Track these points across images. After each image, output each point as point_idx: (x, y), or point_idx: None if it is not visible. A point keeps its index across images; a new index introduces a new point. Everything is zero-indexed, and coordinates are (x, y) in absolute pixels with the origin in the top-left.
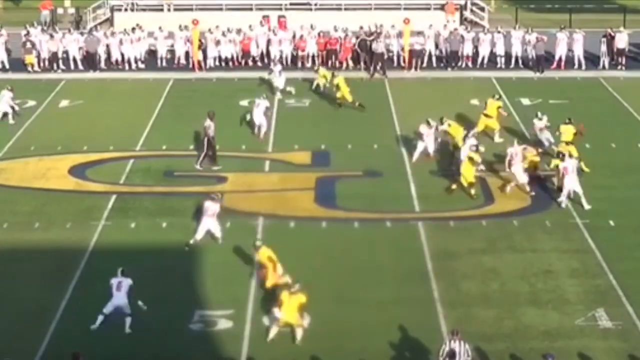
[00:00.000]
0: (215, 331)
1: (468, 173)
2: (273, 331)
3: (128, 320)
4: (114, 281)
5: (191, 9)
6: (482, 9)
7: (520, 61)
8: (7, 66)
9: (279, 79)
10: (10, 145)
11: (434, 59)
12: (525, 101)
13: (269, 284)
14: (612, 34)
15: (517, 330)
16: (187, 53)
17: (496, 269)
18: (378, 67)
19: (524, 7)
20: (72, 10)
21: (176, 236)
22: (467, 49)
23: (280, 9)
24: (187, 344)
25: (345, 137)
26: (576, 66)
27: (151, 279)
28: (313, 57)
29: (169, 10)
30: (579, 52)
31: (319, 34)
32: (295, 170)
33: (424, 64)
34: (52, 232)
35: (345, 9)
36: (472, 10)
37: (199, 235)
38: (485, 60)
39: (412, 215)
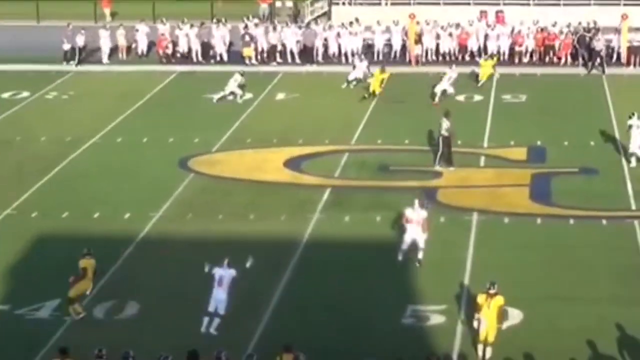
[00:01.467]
0: (427, 326)
1: None
2: (480, 349)
3: (216, 321)
4: (217, 273)
5: (409, 4)
6: None
7: None
8: (226, 59)
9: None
10: (227, 137)
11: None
12: None
13: (74, 293)
14: None
15: None
16: (403, 47)
17: None
18: (597, 64)
19: None
20: (290, 4)
21: (389, 231)
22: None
23: (498, 4)
24: (399, 339)
25: (562, 133)
26: None
27: (364, 273)
28: (531, 53)
29: (386, 4)
30: None
31: (537, 30)
32: (510, 166)
33: None
34: (266, 223)
35: (564, 5)
36: None
37: (404, 245)
38: None
39: (629, 214)
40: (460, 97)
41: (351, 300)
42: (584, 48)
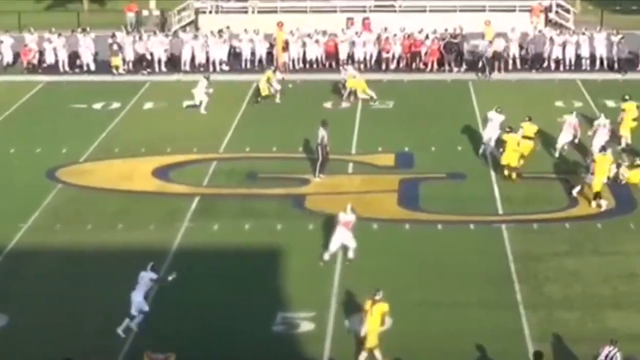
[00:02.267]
0: (297, 333)
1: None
2: (362, 357)
3: (126, 321)
4: (140, 276)
5: (275, 12)
6: (567, 11)
7: (605, 63)
8: (93, 68)
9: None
10: (95, 147)
11: (518, 61)
12: (611, 103)
13: None
14: None
15: (601, 334)
16: (270, 54)
17: (579, 272)
18: (488, 68)
19: (609, 8)
20: (157, 13)
21: (259, 238)
22: (556, 52)
23: (365, 11)
24: (270, 346)
25: (429, 138)
26: None
27: (233, 281)
28: (398, 59)
29: (253, 12)
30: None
31: (404, 36)
32: (378, 172)
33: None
34: (136, 233)
35: (430, 11)
36: (557, 12)
37: (333, 247)
38: (573, 62)
39: (496, 218)
40: (328, 104)
41: (221, 308)
42: (450, 54)
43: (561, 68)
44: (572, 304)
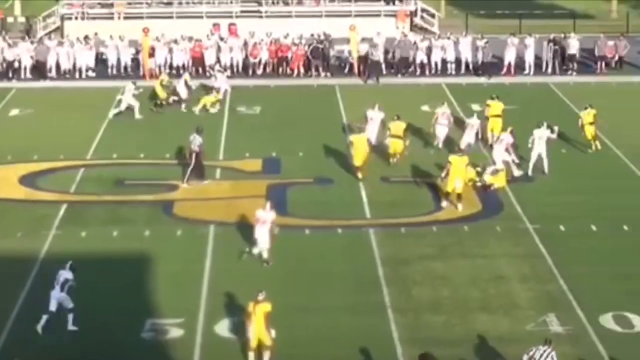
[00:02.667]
0: (166, 340)
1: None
2: (251, 357)
3: (70, 316)
4: (58, 273)
5: (142, 17)
6: (433, 16)
7: (470, 67)
8: None
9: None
10: None
11: (383, 65)
12: (476, 107)
13: None
14: (557, 39)
15: (468, 336)
16: (136, 61)
17: (447, 275)
18: (373, 74)
19: (474, 13)
20: (22, 19)
21: (127, 245)
22: (420, 56)
23: (231, 17)
24: (138, 353)
25: (296, 143)
26: (526, 72)
27: (102, 288)
28: (265, 65)
29: (119, 18)
30: (529, 58)
31: (270, 41)
32: (246, 177)
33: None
34: (3, 241)
35: (296, 16)
36: (422, 17)
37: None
38: (439, 67)
39: (363, 222)
40: (196, 109)
41: (91, 315)
42: (316, 59)
43: (427, 72)
44: (440, 307)
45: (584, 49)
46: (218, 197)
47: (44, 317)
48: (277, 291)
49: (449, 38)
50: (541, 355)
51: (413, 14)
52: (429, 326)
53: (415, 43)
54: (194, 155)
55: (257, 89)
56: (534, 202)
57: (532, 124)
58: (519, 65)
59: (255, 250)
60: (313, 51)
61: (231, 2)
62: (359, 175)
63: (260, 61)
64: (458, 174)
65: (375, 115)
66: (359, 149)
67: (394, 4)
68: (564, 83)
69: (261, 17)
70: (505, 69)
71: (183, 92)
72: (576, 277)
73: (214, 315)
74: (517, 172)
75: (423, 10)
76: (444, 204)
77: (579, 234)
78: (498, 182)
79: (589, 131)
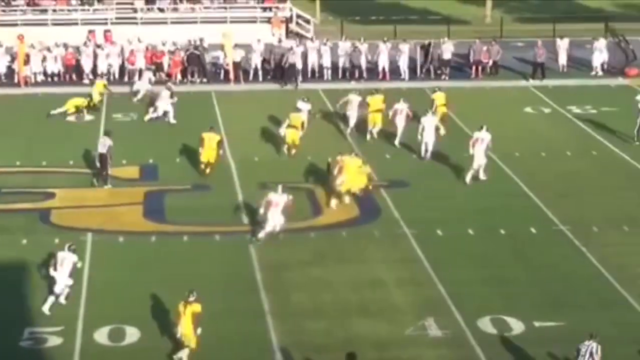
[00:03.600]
0: (45, 348)
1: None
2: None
3: (50, 298)
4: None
5: (16, 24)
6: (308, 22)
7: (347, 72)
8: None
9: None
10: None
11: (260, 72)
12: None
13: None
14: (429, 44)
15: (348, 341)
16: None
17: (326, 280)
18: (291, 79)
19: (349, 19)
20: None
21: (4, 253)
22: (293, 59)
23: (106, 24)
24: None
25: (173, 150)
26: (402, 77)
27: None
28: (140, 70)
29: None
30: (403, 63)
31: (146, 48)
32: (123, 184)
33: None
34: None
35: (171, 23)
36: (297, 23)
37: (268, 227)
38: (316, 72)
39: (241, 228)
40: (72, 117)
41: None
42: (194, 65)
43: (300, 78)
44: (320, 313)
45: (458, 55)
46: (96, 205)
47: (50, 298)
48: (155, 297)
49: (325, 44)
50: (586, 350)
51: (288, 20)
52: (308, 331)
53: (291, 48)
54: (104, 158)
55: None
56: (411, 206)
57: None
58: (394, 71)
59: (261, 235)
60: (189, 57)
61: (106, 9)
62: (207, 171)
63: (137, 68)
64: (348, 173)
65: (304, 107)
66: (208, 146)
67: (270, 10)
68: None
69: (137, 23)
70: (380, 75)
71: (162, 105)
72: (454, 281)
73: (93, 322)
74: (483, 176)
75: (298, 16)
76: (334, 203)
77: (456, 237)
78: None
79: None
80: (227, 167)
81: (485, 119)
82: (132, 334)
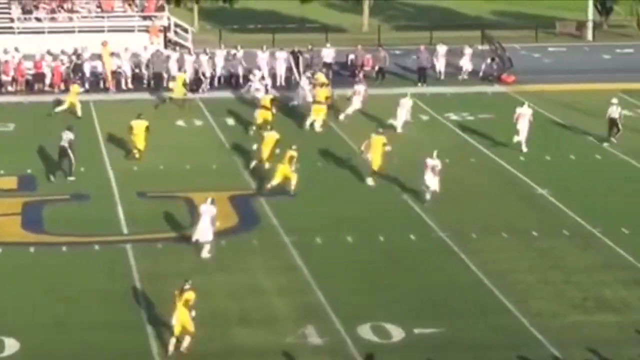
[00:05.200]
0: None
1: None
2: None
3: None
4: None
5: None
6: (186, 31)
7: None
8: None
9: None
10: None
11: (129, 80)
12: (230, 121)
13: None
14: (299, 51)
15: (228, 350)
16: None
17: (206, 289)
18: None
19: (227, 27)
20: None
21: None
22: (174, 70)
23: None
24: None
25: (52, 160)
26: (278, 83)
27: None
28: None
29: None
30: (280, 70)
31: (20, 59)
32: (1, 195)
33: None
34: None
35: (49, 32)
36: (175, 32)
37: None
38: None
39: (121, 238)
40: None
41: None
42: (76, 74)
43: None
44: (200, 322)
45: (337, 63)
46: None
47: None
48: (34, 308)
49: (205, 53)
50: None
51: (166, 29)
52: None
53: (168, 57)
54: (67, 151)
55: (10, 105)
56: (290, 214)
57: (293, 135)
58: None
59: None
60: (73, 67)
61: None
62: (137, 156)
63: (12, 78)
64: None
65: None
66: (137, 133)
67: (150, 19)
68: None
69: (14, 33)
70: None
71: None
72: (334, 289)
73: None
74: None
75: (176, 25)
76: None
77: (335, 245)
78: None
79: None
80: (106, 176)
81: (362, 126)
82: (11, 346)
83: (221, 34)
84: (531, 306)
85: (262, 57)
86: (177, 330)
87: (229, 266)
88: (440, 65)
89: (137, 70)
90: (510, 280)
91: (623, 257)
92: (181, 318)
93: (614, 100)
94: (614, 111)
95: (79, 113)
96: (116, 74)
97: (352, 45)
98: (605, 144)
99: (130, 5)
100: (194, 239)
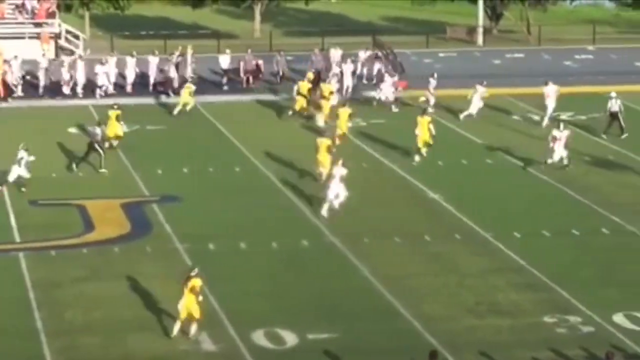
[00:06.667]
0: None
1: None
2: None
3: None
4: None
5: None
6: (77, 37)
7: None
8: None
9: None
10: None
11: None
12: (124, 128)
13: None
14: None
15: (123, 357)
16: None
17: (100, 296)
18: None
19: (118, 34)
20: None
21: None
22: (66, 77)
23: None
24: None
25: None
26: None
27: None
28: None
29: None
30: (153, 76)
31: None
32: None
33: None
34: None
35: None
36: (67, 39)
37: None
38: (82, 88)
39: (13, 246)
40: None
41: None
42: None
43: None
44: (94, 329)
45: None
46: None
47: None
48: None
49: (102, 63)
50: None
51: (57, 36)
52: (83, 348)
53: (63, 63)
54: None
55: None
56: (183, 221)
57: (182, 144)
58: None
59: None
60: None
61: None
62: None
63: None
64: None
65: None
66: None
67: (41, 26)
68: (210, 102)
69: None
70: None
71: None
72: (227, 295)
73: None
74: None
75: (68, 32)
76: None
77: (229, 252)
78: None
79: None
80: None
81: (254, 132)
82: None
83: (113, 41)
84: (424, 310)
85: (154, 62)
86: (182, 315)
87: (123, 273)
88: (333, 69)
89: (29, 78)
90: (403, 285)
91: (515, 261)
92: (187, 304)
93: (613, 94)
94: (614, 105)
95: None
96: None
97: (244, 51)
98: (604, 136)
99: (20, 12)
100: None
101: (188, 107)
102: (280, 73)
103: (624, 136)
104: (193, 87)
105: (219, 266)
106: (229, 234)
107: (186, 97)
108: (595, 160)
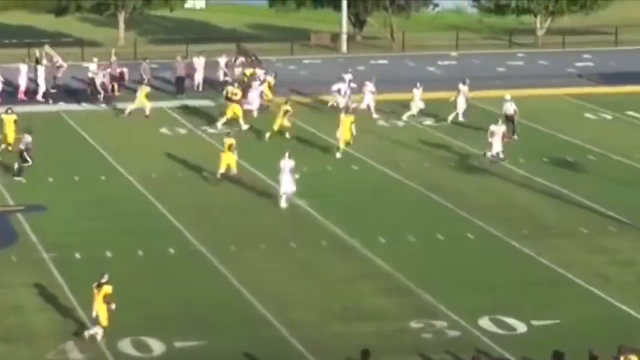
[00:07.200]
0: None
1: None
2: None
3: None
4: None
5: None
6: None
7: None
8: None
9: None
10: None
11: None
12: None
13: None
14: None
15: None
16: None
17: None
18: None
19: None
20: None
21: None
22: None
23: None
24: None
25: None
26: (38, 97)
27: None
28: None
29: None
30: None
31: None
32: None
33: None
34: None
35: None
36: None
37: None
38: None
39: None
40: None
41: None
42: None
43: None
44: None
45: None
46: None
47: None
48: None
49: None
50: None
51: None
52: None
53: None
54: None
55: None
56: (49, 231)
57: (47, 153)
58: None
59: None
60: None
61: None
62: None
63: None
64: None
65: None
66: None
67: None
68: (74, 111)
69: None
70: (21, 94)
71: None
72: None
73: None
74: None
75: None
76: None
77: (95, 260)
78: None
79: None
80: None
81: (121, 141)
82: None
83: None
84: (291, 317)
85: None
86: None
87: None
88: (198, 77)
89: None
90: (270, 292)
91: (380, 266)
92: (99, 311)
93: (507, 97)
94: (509, 108)
95: None
96: None
97: (107, 59)
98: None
99: None
100: None
101: (147, 111)
102: (146, 80)
103: (516, 138)
104: (148, 89)
105: (86, 275)
106: (95, 243)
107: (142, 100)
108: (459, 165)
